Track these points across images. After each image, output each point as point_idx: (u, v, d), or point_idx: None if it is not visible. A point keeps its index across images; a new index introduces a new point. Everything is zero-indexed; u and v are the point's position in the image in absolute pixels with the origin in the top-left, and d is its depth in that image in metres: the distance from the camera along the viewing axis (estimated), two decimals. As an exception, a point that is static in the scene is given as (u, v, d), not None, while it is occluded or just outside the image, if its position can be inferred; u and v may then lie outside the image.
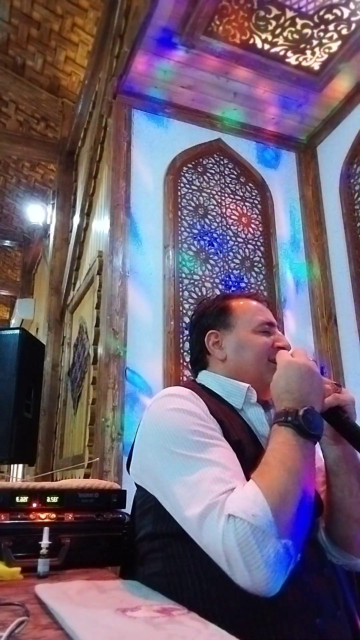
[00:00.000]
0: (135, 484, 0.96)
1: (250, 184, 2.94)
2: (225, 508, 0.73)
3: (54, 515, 1.09)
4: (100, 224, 2.83)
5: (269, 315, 1.11)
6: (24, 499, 1.11)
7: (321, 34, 2.45)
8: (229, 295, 1.17)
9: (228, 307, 1.11)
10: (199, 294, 2.56)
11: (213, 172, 2.86)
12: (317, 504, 0.94)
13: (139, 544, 0.93)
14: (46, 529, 0.98)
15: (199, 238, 2.67)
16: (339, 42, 2.48)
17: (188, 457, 0.81)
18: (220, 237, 2.73)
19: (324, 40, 2.48)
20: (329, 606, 0.83)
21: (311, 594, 0.81)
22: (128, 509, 1.11)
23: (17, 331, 3.43)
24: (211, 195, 2.80)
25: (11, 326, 7.32)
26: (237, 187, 2.90)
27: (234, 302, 1.12)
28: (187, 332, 2.45)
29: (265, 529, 0.70)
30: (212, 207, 2.78)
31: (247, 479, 0.83)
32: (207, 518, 0.74)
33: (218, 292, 2.58)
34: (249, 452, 0.89)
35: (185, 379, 2.35)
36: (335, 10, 2.35)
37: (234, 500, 0.73)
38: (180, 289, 2.52)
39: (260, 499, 0.72)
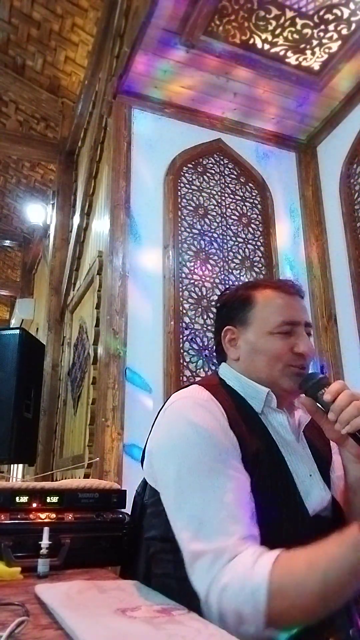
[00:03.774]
0: (147, 482, 0.95)
1: (250, 184, 2.94)
2: (224, 572, 0.69)
3: (54, 515, 1.09)
4: (100, 224, 2.83)
5: (295, 312, 0.98)
6: (24, 499, 1.11)
7: (321, 34, 2.45)
8: (255, 284, 1.05)
9: (249, 300, 1.00)
10: (199, 294, 2.56)
11: (213, 172, 2.86)
12: (339, 517, 0.92)
13: (149, 541, 0.91)
14: (46, 529, 0.98)
15: (199, 238, 2.67)
16: (339, 42, 2.48)
17: (197, 483, 0.78)
18: (220, 237, 2.73)
19: (324, 40, 2.48)
20: (343, 624, 0.81)
21: None
22: (128, 509, 1.11)
23: (17, 331, 3.43)
24: (211, 195, 2.80)
25: (11, 326, 7.31)
26: (237, 187, 2.90)
27: (258, 293, 1.01)
28: (187, 332, 2.45)
29: (251, 619, 0.67)
30: (212, 207, 2.78)
31: (263, 488, 0.81)
32: (200, 561, 0.72)
33: (218, 292, 2.58)
34: (266, 463, 0.86)
35: (185, 379, 2.35)
36: (335, 10, 2.35)
37: (235, 573, 0.69)
38: (180, 289, 2.52)
39: (261, 595, 0.66)
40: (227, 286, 2.62)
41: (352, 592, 0.69)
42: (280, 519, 0.83)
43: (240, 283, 1.12)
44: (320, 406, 0.89)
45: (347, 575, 0.65)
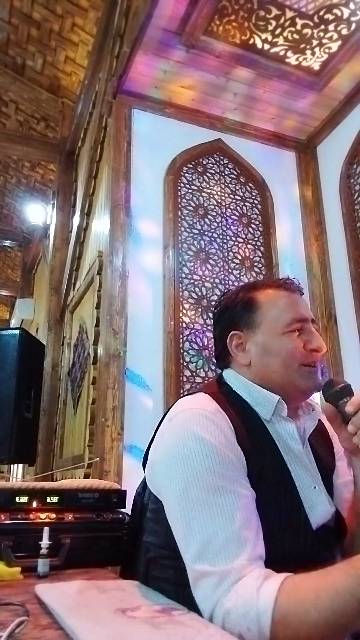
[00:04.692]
0: (149, 487, 0.93)
1: (250, 184, 2.94)
2: (228, 596, 0.68)
3: (54, 515, 1.09)
4: (100, 224, 2.83)
5: (302, 309, 0.97)
6: (24, 499, 1.11)
7: (321, 34, 2.45)
8: (256, 285, 1.02)
9: (254, 302, 0.98)
10: (199, 294, 2.56)
11: (213, 172, 2.86)
12: (340, 526, 0.91)
13: (149, 544, 0.91)
14: (46, 529, 0.98)
15: (199, 238, 2.67)
16: (339, 42, 2.48)
17: (203, 501, 0.76)
18: (220, 237, 2.73)
19: (324, 40, 2.48)
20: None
21: None
22: (128, 509, 1.11)
23: (17, 331, 3.43)
24: (211, 195, 2.80)
25: (11, 326, 7.32)
26: (237, 187, 2.90)
27: (261, 294, 0.98)
28: (187, 332, 2.45)
29: None
30: (212, 207, 2.78)
31: (267, 504, 0.80)
32: (204, 582, 0.71)
33: (218, 292, 2.58)
34: (272, 477, 0.85)
35: (185, 379, 2.35)
36: (335, 10, 2.35)
37: (239, 597, 0.67)
38: (180, 289, 2.52)
39: (265, 621, 0.64)
40: (226, 289, 2.61)
41: (358, 624, 0.67)
42: (284, 534, 0.82)
43: (237, 286, 1.08)
44: (340, 415, 0.88)
45: (354, 607, 0.63)
